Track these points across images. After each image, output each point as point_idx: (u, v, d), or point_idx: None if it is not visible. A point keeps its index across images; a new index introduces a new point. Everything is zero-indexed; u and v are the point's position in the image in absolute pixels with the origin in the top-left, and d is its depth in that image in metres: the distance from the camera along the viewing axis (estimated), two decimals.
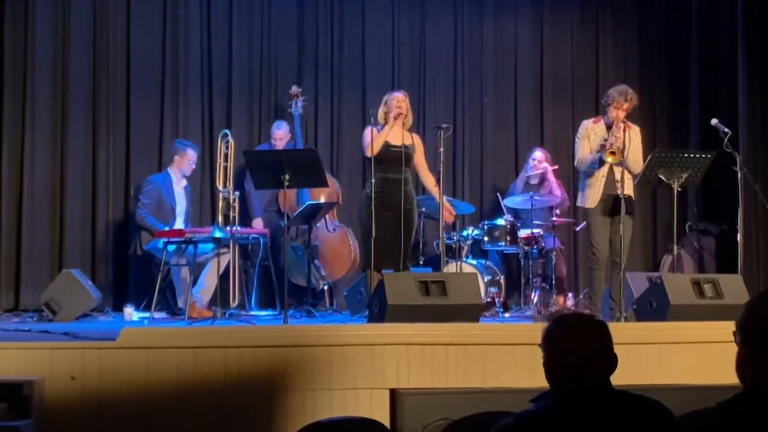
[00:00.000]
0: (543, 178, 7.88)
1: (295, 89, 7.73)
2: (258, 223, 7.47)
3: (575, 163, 6.55)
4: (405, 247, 6.21)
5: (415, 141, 6.48)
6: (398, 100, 6.36)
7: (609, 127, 6.30)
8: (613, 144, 6.15)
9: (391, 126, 6.26)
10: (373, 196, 6.02)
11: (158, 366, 4.35)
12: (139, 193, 7.22)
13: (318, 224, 7.28)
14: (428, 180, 6.56)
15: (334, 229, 7.58)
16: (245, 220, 7.32)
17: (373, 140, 6.16)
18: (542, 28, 8.97)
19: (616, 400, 2.40)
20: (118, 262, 7.79)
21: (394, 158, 6.18)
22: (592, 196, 6.34)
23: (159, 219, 6.99)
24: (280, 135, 7.56)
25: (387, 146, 6.20)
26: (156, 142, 7.95)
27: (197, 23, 8.12)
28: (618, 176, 6.17)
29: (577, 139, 6.49)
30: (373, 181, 5.91)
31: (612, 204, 6.26)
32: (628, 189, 6.26)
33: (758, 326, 2.08)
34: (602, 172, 6.29)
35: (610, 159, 6.19)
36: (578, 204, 6.65)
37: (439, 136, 6.32)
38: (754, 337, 2.08)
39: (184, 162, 7.21)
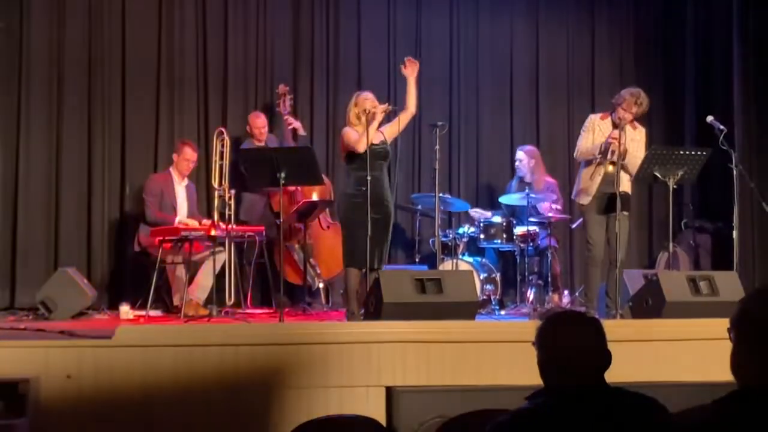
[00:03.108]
0: (533, 178, 7.86)
1: (282, 87, 7.68)
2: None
3: (575, 154, 6.57)
4: (386, 245, 6.17)
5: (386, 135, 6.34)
6: (372, 100, 6.18)
7: (615, 126, 6.30)
8: (611, 145, 6.15)
9: (378, 121, 6.13)
10: (368, 193, 5.96)
11: (154, 364, 4.34)
12: (143, 192, 7.23)
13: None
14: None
15: (328, 227, 7.56)
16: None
17: (359, 137, 6.01)
18: (538, 25, 8.98)
19: (612, 398, 2.39)
20: (113, 260, 7.79)
21: (377, 156, 6.11)
22: (587, 191, 6.35)
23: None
24: (263, 123, 7.55)
25: (369, 145, 6.11)
26: (151, 140, 7.94)
27: (192, 21, 8.11)
28: (615, 174, 6.19)
29: (582, 131, 6.50)
30: (369, 178, 5.86)
31: (607, 201, 6.27)
32: (625, 186, 6.27)
33: (753, 323, 2.09)
34: (599, 171, 6.29)
35: (610, 168, 6.21)
36: (573, 197, 6.67)
37: (434, 133, 6.32)
38: (749, 334, 2.09)
39: (181, 160, 7.21)
